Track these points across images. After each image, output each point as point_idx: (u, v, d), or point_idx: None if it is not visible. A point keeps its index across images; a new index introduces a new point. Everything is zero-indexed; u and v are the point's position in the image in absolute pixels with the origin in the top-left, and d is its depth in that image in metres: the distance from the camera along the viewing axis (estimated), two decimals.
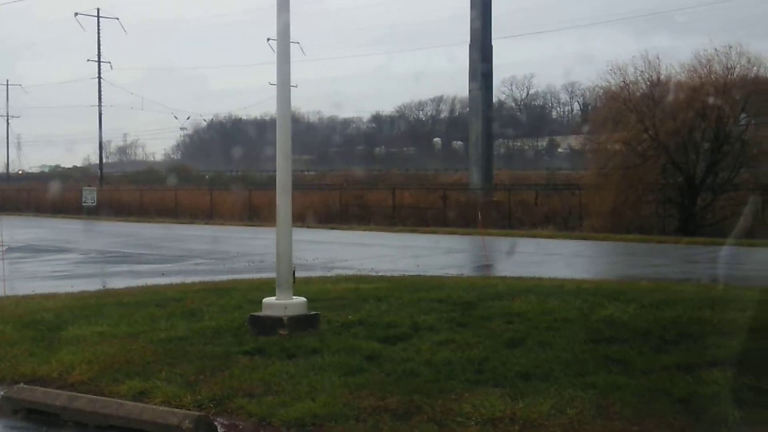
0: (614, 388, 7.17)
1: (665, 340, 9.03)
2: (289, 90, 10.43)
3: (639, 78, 34.05)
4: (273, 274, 10.66)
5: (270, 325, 9.71)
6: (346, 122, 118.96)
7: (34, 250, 26.49)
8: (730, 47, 32.94)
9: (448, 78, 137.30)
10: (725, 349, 8.38)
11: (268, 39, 52.89)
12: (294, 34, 10.53)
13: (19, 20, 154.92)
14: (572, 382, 7.37)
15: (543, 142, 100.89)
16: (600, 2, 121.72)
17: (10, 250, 25.19)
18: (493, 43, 43.42)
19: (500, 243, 26.59)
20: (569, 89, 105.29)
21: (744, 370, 7.41)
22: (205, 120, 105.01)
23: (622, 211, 32.41)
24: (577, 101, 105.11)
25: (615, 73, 34.33)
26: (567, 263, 21.01)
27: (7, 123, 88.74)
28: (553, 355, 8.37)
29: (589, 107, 73.46)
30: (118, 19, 74.66)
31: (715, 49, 33.05)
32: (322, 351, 8.71)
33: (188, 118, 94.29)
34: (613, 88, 34.90)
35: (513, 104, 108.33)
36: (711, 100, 31.67)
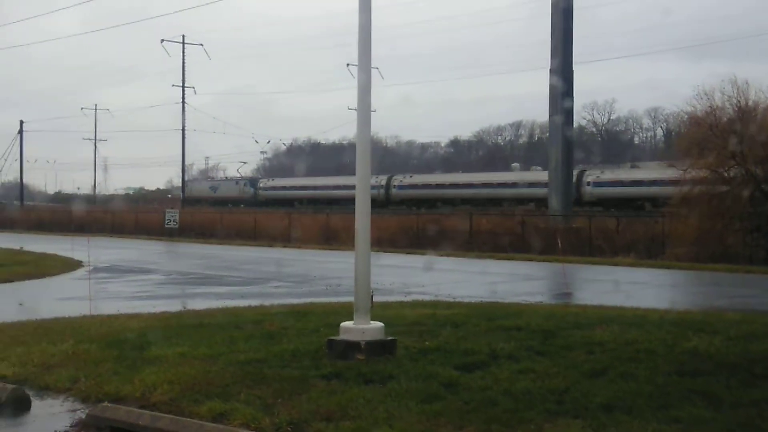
0: (700, 422, 6.96)
1: (754, 374, 8.73)
2: (369, 122, 10.59)
3: (726, 103, 33.06)
4: (350, 298, 10.69)
5: (347, 349, 9.73)
6: (424, 147, 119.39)
7: (118, 270, 27.14)
8: None
9: (527, 102, 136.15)
10: None
11: (348, 64, 53.61)
12: (372, 59, 10.61)
13: (107, 47, 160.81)
14: (656, 415, 7.18)
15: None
16: (685, 27, 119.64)
17: (96, 270, 25.90)
18: (574, 68, 43.04)
19: (580, 271, 26.16)
20: (652, 114, 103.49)
21: None
22: (284, 144, 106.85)
23: (707, 239, 31.48)
24: (660, 127, 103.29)
25: (701, 98, 33.41)
26: (649, 293, 20.52)
27: (95, 146, 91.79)
28: (636, 386, 8.18)
29: (673, 133, 72.00)
30: (202, 45, 76.08)
31: None
32: (399, 377, 8.68)
33: (269, 142, 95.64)
34: (699, 113, 34.01)
35: (594, 129, 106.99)
36: None
